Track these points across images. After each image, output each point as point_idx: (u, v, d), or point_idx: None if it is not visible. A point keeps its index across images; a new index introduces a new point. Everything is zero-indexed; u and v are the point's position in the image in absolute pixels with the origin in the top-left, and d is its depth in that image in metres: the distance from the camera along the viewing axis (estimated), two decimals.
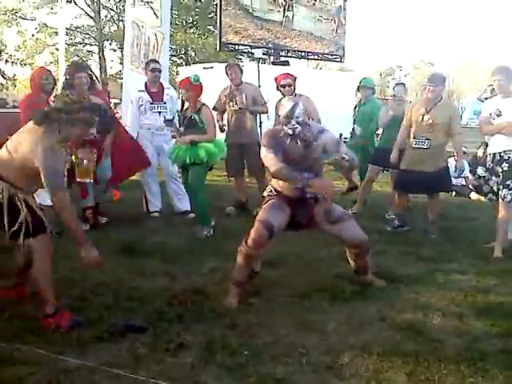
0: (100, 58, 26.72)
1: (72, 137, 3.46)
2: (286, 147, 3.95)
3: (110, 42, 26.62)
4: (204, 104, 5.64)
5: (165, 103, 6.45)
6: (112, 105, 20.24)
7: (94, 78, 6.26)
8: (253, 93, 6.71)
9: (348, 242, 4.10)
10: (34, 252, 3.42)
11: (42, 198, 3.87)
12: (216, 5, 17.59)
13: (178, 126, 5.70)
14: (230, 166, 6.91)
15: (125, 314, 3.61)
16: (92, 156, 4.41)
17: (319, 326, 3.47)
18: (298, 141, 3.95)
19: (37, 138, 3.30)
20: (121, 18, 26.05)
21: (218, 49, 16.85)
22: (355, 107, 7.77)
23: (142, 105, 6.38)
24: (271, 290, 4.09)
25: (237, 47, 16.79)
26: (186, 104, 5.69)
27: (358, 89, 7.71)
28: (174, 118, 5.96)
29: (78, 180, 4.82)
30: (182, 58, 26.03)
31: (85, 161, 4.36)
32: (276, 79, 6.44)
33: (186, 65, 23.27)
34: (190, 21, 26.45)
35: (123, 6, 25.15)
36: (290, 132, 3.92)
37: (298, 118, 3.91)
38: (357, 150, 6.19)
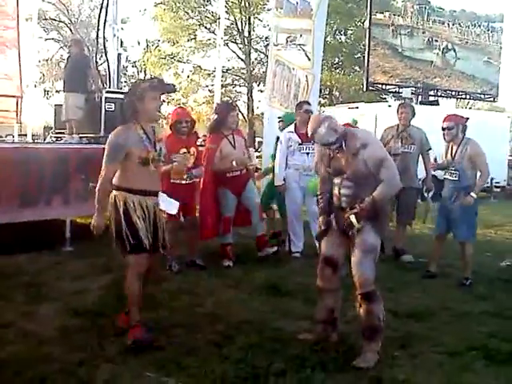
0: (248, 98, 27.83)
1: (148, 110, 3.74)
2: (331, 158, 3.82)
3: (258, 83, 27.72)
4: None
5: (313, 144, 6.50)
6: (256, 143, 21.05)
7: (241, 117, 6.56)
8: (420, 137, 6.55)
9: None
10: (128, 269, 3.74)
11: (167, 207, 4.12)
12: (364, 45, 17.65)
13: None
14: None
15: (268, 355, 3.61)
16: (184, 159, 4.55)
17: None
18: (340, 153, 3.75)
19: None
20: None
21: (364, 89, 16.81)
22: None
23: (290, 145, 6.47)
24: (418, 344, 3.88)
25: (384, 87, 16.64)
26: None
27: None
28: None
29: (172, 181, 5.02)
30: (325, 97, 26.29)
31: (175, 163, 4.50)
32: None
33: (330, 105, 23.45)
34: (336, 61, 26.75)
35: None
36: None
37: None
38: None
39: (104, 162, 3.70)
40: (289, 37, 9.24)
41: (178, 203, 4.30)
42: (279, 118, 7.57)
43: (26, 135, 11.44)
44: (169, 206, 4.12)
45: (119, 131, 3.77)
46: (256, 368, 3.41)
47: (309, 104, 6.80)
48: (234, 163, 5.77)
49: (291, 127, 6.63)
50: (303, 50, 9.16)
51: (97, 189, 3.74)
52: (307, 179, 6.39)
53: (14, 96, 11.39)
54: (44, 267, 5.48)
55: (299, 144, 6.44)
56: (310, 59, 9.08)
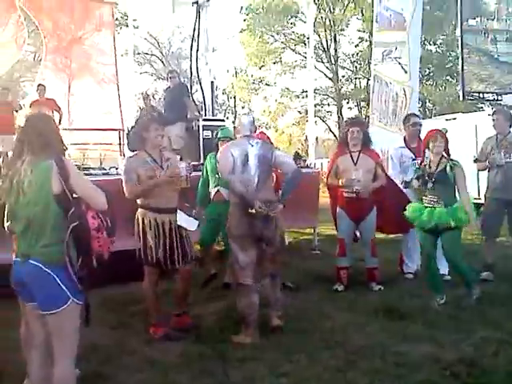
0: (338, 117, 27.64)
1: (152, 138, 4.42)
2: None
3: (347, 101, 27.50)
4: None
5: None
6: None
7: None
8: None
9: None
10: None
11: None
12: (455, 54, 17.06)
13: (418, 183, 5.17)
14: (488, 225, 6.30)
15: (394, 381, 3.48)
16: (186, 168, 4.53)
17: None
18: None
19: None
20: (357, 76, 26.82)
21: (461, 98, 16.22)
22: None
23: (404, 162, 6.10)
24: None
25: (482, 95, 15.95)
26: (428, 157, 5.19)
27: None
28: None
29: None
30: (419, 110, 25.65)
31: (178, 170, 4.46)
32: None
33: (424, 118, 22.82)
34: (426, 73, 26.05)
35: (360, 64, 26.01)
36: None
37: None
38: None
39: (124, 186, 4.37)
40: (384, 51, 9.15)
41: (196, 221, 4.72)
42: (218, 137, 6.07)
43: None
44: (187, 222, 4.53)
45: (128, 159, 4.62)
46: None
47: (417, 116, 6.52)
48: (340, 182, 5.62)
49: (401, 142, 6.38)
50: (399, 63, 8.96)
51: (139, 189, 4.36)
52: None
53: (116, 129, 11.99)
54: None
55: (413, 159, 6.03)
56: (406, 72, 8.86)
